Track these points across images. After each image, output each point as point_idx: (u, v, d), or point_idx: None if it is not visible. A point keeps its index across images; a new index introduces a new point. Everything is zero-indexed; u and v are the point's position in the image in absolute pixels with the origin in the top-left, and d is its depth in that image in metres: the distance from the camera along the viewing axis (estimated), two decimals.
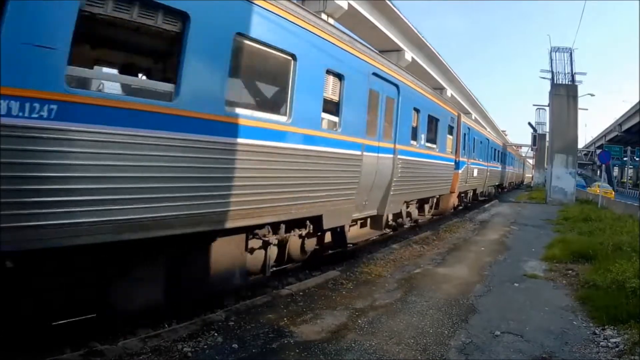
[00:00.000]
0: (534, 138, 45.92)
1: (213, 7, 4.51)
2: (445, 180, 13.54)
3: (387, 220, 9.65)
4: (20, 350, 4.08)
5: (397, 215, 10.23)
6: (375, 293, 5.94)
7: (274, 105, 6.03)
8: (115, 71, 5.76)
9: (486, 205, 21.26)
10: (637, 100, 51.28)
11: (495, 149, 25.78)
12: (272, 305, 5.24)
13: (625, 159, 61.15)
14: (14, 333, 4.14)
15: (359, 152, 7.43)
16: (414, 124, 10.21)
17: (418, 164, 10.46)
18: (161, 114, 4.08)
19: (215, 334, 4.31)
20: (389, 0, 28.33)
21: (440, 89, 43.89)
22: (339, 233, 7.68)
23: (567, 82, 25.65)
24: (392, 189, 8.97)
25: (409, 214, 11.12)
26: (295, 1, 6.00)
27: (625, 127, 59.40)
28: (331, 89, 6.79)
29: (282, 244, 6.55)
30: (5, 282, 3.77)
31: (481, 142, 20.61)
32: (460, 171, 15.41)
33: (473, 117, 50.25)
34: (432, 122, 11.70)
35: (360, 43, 8.01)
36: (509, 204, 23.44)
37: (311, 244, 7.35)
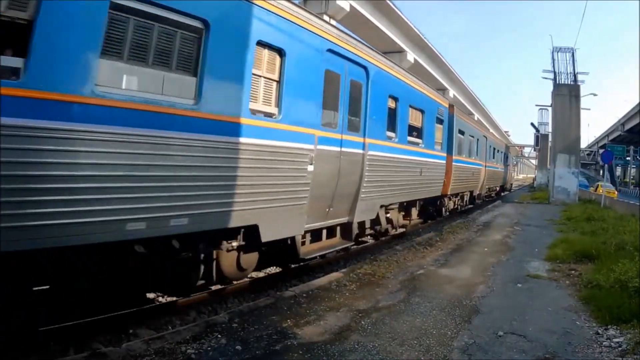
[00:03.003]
0: (537, 138, 45.90)
1: None
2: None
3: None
4: (24, 352, 4.12)
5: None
6: (379, 294, 5.94)
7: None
8: None
9: (489, 206, 21.27)
10: (639, 100, 51.14)
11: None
12: (275, 306, 5.26)
13: (628, 158, 60.90)
14: (18, 334, 4.18)
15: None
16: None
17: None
18: None
19: (219, 336, 4.33)
20: (390, 1, 28.36)
21: (442, 90, 43.89)
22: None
23: (569, 82, 25.61)
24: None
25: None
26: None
27: (628, 126, 59.16)
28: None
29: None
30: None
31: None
32: None
33: (476, 118, 50.11)
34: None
35: None
36: (512, 204, 23.45)
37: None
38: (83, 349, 4.27)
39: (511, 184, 39.25)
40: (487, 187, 22.78)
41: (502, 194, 32.19)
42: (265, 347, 4.13)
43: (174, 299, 5.82)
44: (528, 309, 5.50)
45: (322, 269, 8.06)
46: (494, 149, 24.74)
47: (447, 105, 13.98)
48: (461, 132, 15.42)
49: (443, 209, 14.94)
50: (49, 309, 4.50)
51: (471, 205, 19.96)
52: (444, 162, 13.19)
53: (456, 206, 16.92)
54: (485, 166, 20.80)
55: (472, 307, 5.49)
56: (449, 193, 14.32)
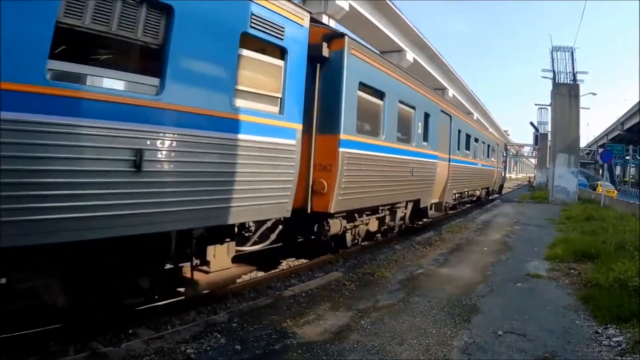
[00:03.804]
0: (536, 137, 45.93)
1: None
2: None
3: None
4: (24, 352, 4.11)
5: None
6: (378, 294, 5.94)
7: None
8: None
9: (489, 206, 21.29)
10: (639, 99, 51.15)
11: None
12: (274, 306, 5.26)
13: (627, 157, 60.92)
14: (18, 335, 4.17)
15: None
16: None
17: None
18: None
19: (218, 336, 4.33)
20: (390, 0, 28.38)
21: (441, 89, 43.90)
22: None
23: (568, 82, 25.63)
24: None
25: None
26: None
27: (627, 125, 59.25)
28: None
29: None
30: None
31: None
32: None
33: (475, 117, 50.06)
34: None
35: None
36: (511, 203, 23.44)
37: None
38: (83, 349, 4.27)
39: (501, 186, 28.20)
40: (455, 192, 15.07)
41: (489, 198, 24.27)
42: (265, 347, 4.13)
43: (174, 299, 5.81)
44: (527, 308, 5.50)
45: (321, 268, 8.06)
46: (469, 136, 16.52)
47: (302, 22, 6.00)
48: (376, 93, 8.29)
49: (347, 238, 8.21)
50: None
51: (420, 222, 12.63)
52: (294, 143, 5.90)
53: (381, 229, 9.67)
54: (450, 160, 13.49)
55: (472, 307, 5.49)
56: (332, 209, 6.99)
